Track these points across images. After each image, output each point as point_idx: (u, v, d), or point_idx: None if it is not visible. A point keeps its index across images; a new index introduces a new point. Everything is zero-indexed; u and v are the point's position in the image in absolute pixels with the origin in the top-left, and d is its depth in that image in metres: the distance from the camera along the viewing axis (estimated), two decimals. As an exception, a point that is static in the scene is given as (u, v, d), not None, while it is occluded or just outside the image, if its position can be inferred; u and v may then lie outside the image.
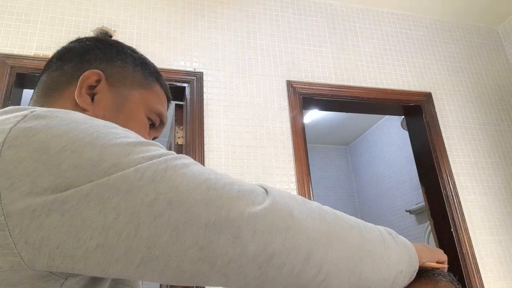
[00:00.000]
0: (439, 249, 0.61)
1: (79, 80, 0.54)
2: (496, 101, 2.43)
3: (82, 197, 0.34)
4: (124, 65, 0.58)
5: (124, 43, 0.64)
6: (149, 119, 0.59)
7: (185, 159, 0.40)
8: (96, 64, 0.57)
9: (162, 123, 0.62)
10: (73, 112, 0.41)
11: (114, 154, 0.36)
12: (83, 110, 0.53)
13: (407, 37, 2.42)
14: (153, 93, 0.60)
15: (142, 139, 0.40)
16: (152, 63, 0.64)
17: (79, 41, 0.62)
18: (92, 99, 0.54)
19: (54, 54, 0.60)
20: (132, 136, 0.40)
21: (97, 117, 0.51)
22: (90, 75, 0.54)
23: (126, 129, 0.42)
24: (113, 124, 0.42)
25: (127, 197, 0.35)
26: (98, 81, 0.55)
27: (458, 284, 0.74)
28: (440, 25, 2.55)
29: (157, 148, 0.40)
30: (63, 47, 0.61)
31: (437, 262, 0.61)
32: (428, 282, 0.69)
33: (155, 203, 0.35)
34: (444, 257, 0.60)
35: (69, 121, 0.38)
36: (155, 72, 0.63)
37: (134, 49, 0.64)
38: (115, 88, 0.56)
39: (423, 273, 0.74)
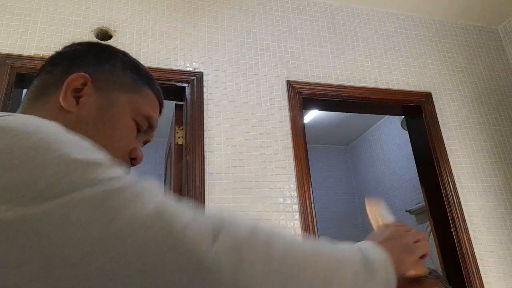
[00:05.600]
0: (420, 235, 0.58)
1: (65, 82, 0.54)
2: (496, 101, 2.43)
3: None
4: (113, 69, 0.58)
5: (117, 47, 0.64)
6: (136, 122, 0.58)
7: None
8: (85, 68, 0.56)
9: (151, 127, 0.61)
10: (39, 124, 0.37)
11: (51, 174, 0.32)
12: (67, 113, 0.53)
13: (407, 37, 2.42)
14: (142, 97, 0.60)
15: (96, 157, 0.37)
16: (144, 68, 0.64)
17: (71, 45, 0.62)
18: (78, 102, 0.54)
19: (47, 59, 0.60)
20: (85, 149, 0.37)
21: (80, 119, 0.53)
22: (76, 78, 0.55)
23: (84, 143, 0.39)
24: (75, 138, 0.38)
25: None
26: (85, 84, 0.55)
27: (444, 279, 0.74)
28: (440, 25, 2.55)
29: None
30: (56, 51, 0.61)
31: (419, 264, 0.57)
32: (413, 280, 0.69)
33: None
34: (426, 248, 0.57)
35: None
36: (146, 77, 0.62)
37: (127, 53, 0.64)
38: (101, 91, 0.56)
39: None
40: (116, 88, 0.57)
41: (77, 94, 0.54)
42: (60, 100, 0.53)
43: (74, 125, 0.51)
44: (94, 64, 0.58)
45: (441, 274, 0.75)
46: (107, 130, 0.55)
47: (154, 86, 0.63)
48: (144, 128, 0.60)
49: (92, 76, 0.56)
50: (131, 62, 0.62)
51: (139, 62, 0.65)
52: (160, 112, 0.65)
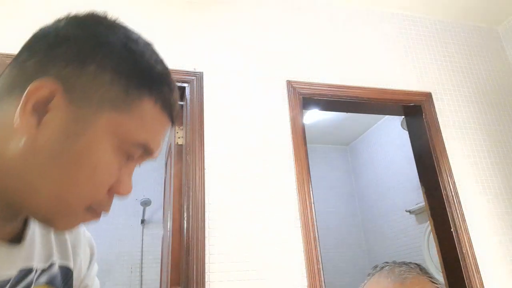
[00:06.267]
0: None
1: (26, 92, 0.39)
2: (496, 101, 2.43)
3: None
4: (98, 72, 0.41)
5: (130, 27, 0.48)
6: (123, 151, 0.43)
7: None
8: (58, 68, 0.41)
9: (149, 153, 0.46)
10: None
11: None
12: (21, 135, 0.39)
13: (407, 37, 2.42)
14: (133, 116, 0.43)
15: None
16: (155, 60, 0.47)
17: (58, 21, 0.47)
18: (41, 121, 0.40)
19: (25, 42, 0.45)
20: None
21: (35, 149, 0.39)
22: (40, 87, 0.39)
23: None
24: None
25: None
26: (52, 95, 0.40)
27: (426, 273, 0.73)
28: (440, 25, 2.55)
29: None
30: (39, 29, 0.46)
31: None
32: (395, 283, 0.69)
33: None
34: None
35: None
36: (152, 77, 0.45)
37: (134, 37, 0.46)
38: (75, 106, 0.40)
39: (389, 272, 0.74)
40: (95, 103, 0.41)
41: (42, 108, 0.40)
42: (16, 116, 0.39)
43: (25, 157, 0.39)
44: (75, 60, 0.41)
45: (423, 268, 0.74)
46: (71, 168, 0.40)
47: (162, 89, 0.45)
48: (137, 156, 0.45)
49: (65, 82, 0.40)
50: (135, 55, 0.44)
51: (151, 50, 0.47)
52: (173, 122, 0.48)
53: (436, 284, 0.73)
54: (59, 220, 0.43)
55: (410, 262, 0.75)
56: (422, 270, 0.74)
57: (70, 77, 0.41)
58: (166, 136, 0.48)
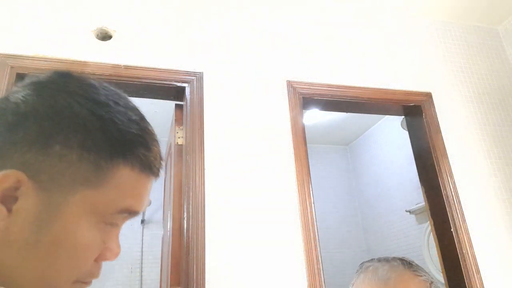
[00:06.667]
0: None
1: None
2: (496, 101, 2.43)
3: None
4: (64, 152, 0.38)
5: (94, 81, 0.43)
6: (107, 223, 0.41)
7: None
8: (22, 152, 0.37)
9: (134, 214, 0.43)
10: None
11: None
12: None
13: (407, 37, 2.42)
14: (110, 188, 0.40)
15: None
16: (132, 122, 0.42)
17: (17, 91, 0.40)
18: (11, 210, 0.37)
19: None
20: None
21: (13, 238, 0.37)
22: (3, 178, 0.37)
23: None
24: None
25: None
26: (18, 184, 0.37)
27: (411, 266, 0.75)
28: (440, 25, 2.55)
29: None
30: (3, 98, 0.41)
31: None
32: (379, 283, 0.72)
33: None
34: None
35: None
36: (127, 144, 0.40)
37: (106, 100, 0.41)
38: (44, 191, 0.37)
39: (373, 273, 0.75)
40: (66, 184, 0.38)
41: (10, 197, 0.37)
42: None
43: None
44: (36, 143, 0.37)
45: (410, 261, 0.76)
46: (50, 256, 0.38)
47: (137, 153, 0.41)
48: (122, 221, 0.43)
49: (30, 168, 0.37)
50: (104, 123, 0.39)
51: (124, 108, 0.42)
52: (157, 175, 0.45)
53: (421, 276, 0.74)
54: None
55: (393, 258, 0.77)
56: (406, 265, 0.75)
57: (33, 163, 0.37)
58: (150, 191, 0.45)
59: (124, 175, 0.41)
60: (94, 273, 0.43)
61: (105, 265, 0.44)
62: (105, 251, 0.42)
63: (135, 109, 0.44)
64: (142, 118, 0.44)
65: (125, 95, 0.45)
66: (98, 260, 0.42)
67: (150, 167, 0.43)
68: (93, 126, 0.39)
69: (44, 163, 0.37)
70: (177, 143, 1.91)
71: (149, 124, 0.45)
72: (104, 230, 0.41)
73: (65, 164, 0.38)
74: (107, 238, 0.42)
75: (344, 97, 2.10)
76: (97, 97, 0.41)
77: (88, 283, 0.44)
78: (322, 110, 2.32)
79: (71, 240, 0.38)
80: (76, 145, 0.38)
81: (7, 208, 0.37)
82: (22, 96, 0.39)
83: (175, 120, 1.97)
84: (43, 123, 0.38)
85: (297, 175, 1.84)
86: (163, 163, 0.46)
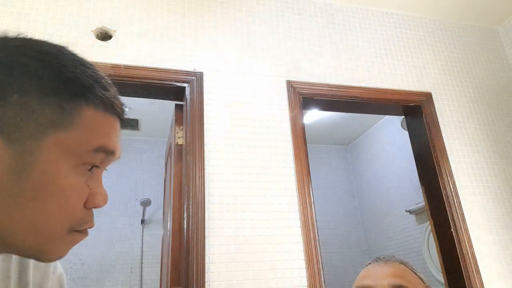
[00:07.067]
0: None
1: None
2: (496, 101, 2.43)
3: None
4: (23, 100, 0.38)
5: (34, 37, 0.45)
6: (85, 163, 0.42)
7: None
8: None
9: (110, 154, 0.44)
10: None
11: None
12: None
13: (407, 37, 2.42)
14: (79, 128, 0.40)
15: None
16: (83, 65, 0.43)
17: None
18: None
19: None
20: None
21: None
22: None
23: None
24: None
25: None
26: None
27: (407, 264, 0.87)
28: (440, 25, 2.55)
29: None
30: None
31: None
32: (380, 263, 0.86)
33: None
34: None
35: None
36: (83, 85, 0.41)
37: (46, 48, 0.43)
38: (14, 142, 0.37)
39: (375, 260, 0.89)
40: (34, 130, 0.38)
41: None
42: None
43: None
44: None
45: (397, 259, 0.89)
46: (36, 203, 0.39)
47: (96, 92, 0.42)
48: (100, 161, 0.44)
49: None
50: (55, 68, 0.41)
51: (69, 54, 0.43)
52: (121, 118, 0.46)
53: (417, 274, 0.85)
54: (47, 251, 0.42)
55: (392, 256, 0.90)
56: (403, 263, 0.87)
57: None
58: (120, 134, 0.46)
59: (89, 115, 0.41)
60: (87, 220, 0.43)
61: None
62: (92, 196, 0.43)
63: (81, 58, 0.45)
64: (90, 64, 0.45)
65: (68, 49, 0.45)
66: (88, 205, 0.43)
67: (112, 106, 0.44)
68: (46, 73, 0.40)
69: (5, 114, 0.37)
70: (177, 143, 1.91)
71: (103, 73, 0.46)
72: (85, 173, 0.42)
73: (27, 111, 0.38)
74: (90, 181, 0.43)
75: (344, 97, 2.10)
76: (42, 47, 0.42)
77: (84, 232, 0.44)
78: (322, 110, 2.32)
79: (53, 183, 0.39)
80: (34, 92, 0.38)
81: None
82: None
83: (175, 120, 1.97)
84: None
85: (297, 175, 1.84)
86: (124, 105, 0.46)
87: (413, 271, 0.84)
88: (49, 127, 0.39)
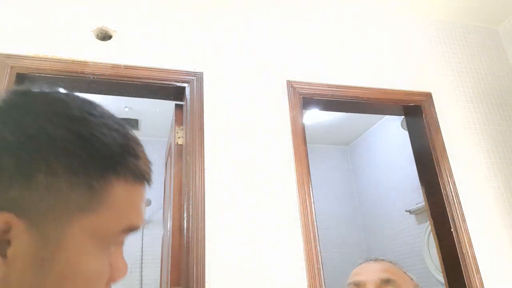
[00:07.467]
0: None
1: None
2: (496, 101, 2.43)
3: None
4: (49, 181, 0.34)
5: (58, 93, 0.39)
6: (109, 244, 0.39)
7: None
8: (3, 190, 0.33)
9: (135, 230, 0.41)
10: None
11: None
12: None
13: (407, 37, 2.42)
14: (108, 207, 0.37)
15: None
16: (112, 131, 0.38)
17: None
18: (6, 255, 0.33)
19: None
20: None
21: (14, 285, 0.33)
22: None
23: None
24: None
25: None
26: (8, 226, 0.33)
27: (398, 265, 0.93)
28: (440, 25, 2.55)
29: None
30: None
31: None
32: (371, 261, 0.92)
33: None
34: None
35: None
36: (114, 155, 0.37)
37: (80, 114, 0.37)
38: (38, 228, 0.34)
39: (367, 259, 0.96)
40: (58, 216, 0.34)
41: (1, 241, 0.33)
42: None
43: None
44: (16, 176, 0.33)
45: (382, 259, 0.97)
46: None
47: (127, 162, 0.38)
48: (124, 239, 0.41)
49: (16, 206, 0.33)
50: (85, 139, 0.36)
51: (100, 117, 0.38)
52: (149, 182, 0.42)
53: (406, 274, 0.91)
54: None
55: (383, 257, 0.96)
56: (392, 262, 0.93)
57: (18, 199, 0.33)
58: (145, 199, 0.43)
59: (119, 191, 0.38)
60: None
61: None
62: (114, 274, 0.40)
63: (112, 116, 0.40)
64: (121, 124, 0.40)
65: (95, 101, 0.40)
66: (108, 283, 0.40)
67: (143, 175, 0.40)
68: (75, 146, 0.35)
69: (30, 198, 0.33)
70: (177, 143, 1.91)
71: (130, 129, 0.42)
72: (109, 253, 0.39)
73: (54, 194, 0.34)
74: (113, 259, 0.40)
75: (344, 97, 2.10)
76: (69, 111, 0.37)
77: None
78: (322, 110, 2.32)
79: (77, 272, 0.35)
80: (62, 171, 0.34)
81: (1, 254, 0.33)
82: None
83: (175, 120, 1.97)
84: (19, 153, 0.33)
85: (297, 175, 1.84)
86: (152, 166, 0.43)
87: (401, 270, 0.91)
88: (76, 211, 0.35)
